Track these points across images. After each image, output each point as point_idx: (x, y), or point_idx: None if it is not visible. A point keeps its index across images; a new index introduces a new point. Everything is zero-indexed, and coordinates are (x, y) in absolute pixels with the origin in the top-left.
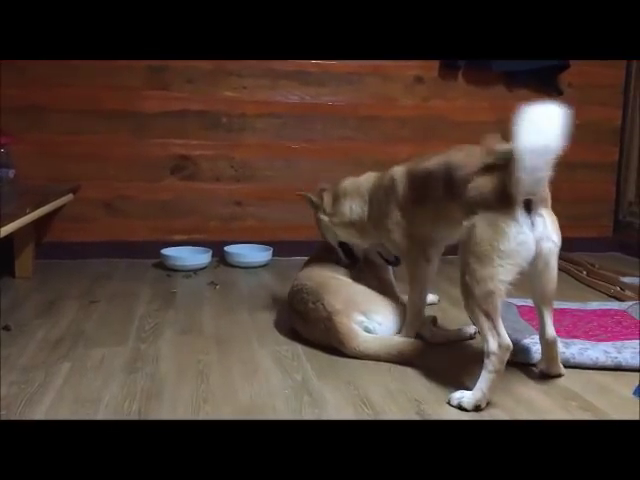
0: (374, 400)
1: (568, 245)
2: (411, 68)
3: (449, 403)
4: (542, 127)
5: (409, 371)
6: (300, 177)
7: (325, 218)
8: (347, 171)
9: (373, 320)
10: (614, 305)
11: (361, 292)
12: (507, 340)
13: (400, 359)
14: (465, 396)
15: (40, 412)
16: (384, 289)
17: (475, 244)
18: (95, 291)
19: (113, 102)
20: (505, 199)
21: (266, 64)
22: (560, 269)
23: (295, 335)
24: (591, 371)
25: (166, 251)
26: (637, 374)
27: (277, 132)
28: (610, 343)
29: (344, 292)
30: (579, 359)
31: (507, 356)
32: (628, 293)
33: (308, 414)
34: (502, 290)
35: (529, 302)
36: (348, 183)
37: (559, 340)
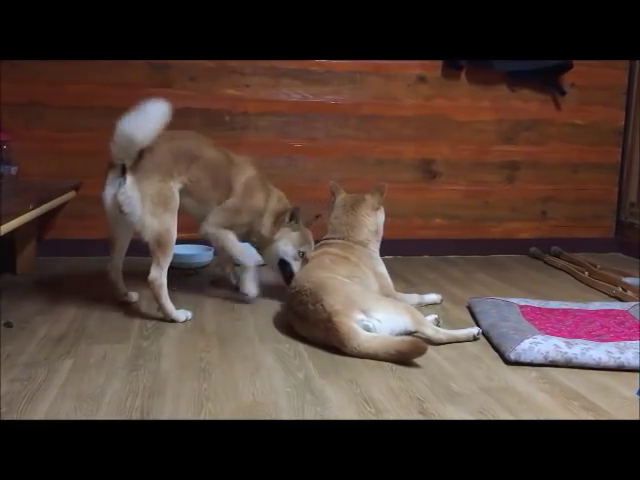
0: (376, 398)
1: (570, 245)
2: (414, 67)
3: None
4: (135, 118)
5: (411, 369)
6: (302, 175)
7: None
8: (349, 169)
9: (373, 318)
10: (616, 305)
11: (360, 291)
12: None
13: (399, 358)
14: None
15: (42, 409)
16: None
17: None
18: (96, 289)
19: (115, 99)
20: (110, 164)
21: (269, 62)
22: (562, 269)
23: (296, 333)
24: (593, 371)
25: None
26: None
27: (280, 130)
28: (613, 343)
29: (343, 292)
30: (582, 359)
31: None
32: (630, 294)
33: (310, 412)
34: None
35: (531, 302)
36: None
37: (562, 340)
